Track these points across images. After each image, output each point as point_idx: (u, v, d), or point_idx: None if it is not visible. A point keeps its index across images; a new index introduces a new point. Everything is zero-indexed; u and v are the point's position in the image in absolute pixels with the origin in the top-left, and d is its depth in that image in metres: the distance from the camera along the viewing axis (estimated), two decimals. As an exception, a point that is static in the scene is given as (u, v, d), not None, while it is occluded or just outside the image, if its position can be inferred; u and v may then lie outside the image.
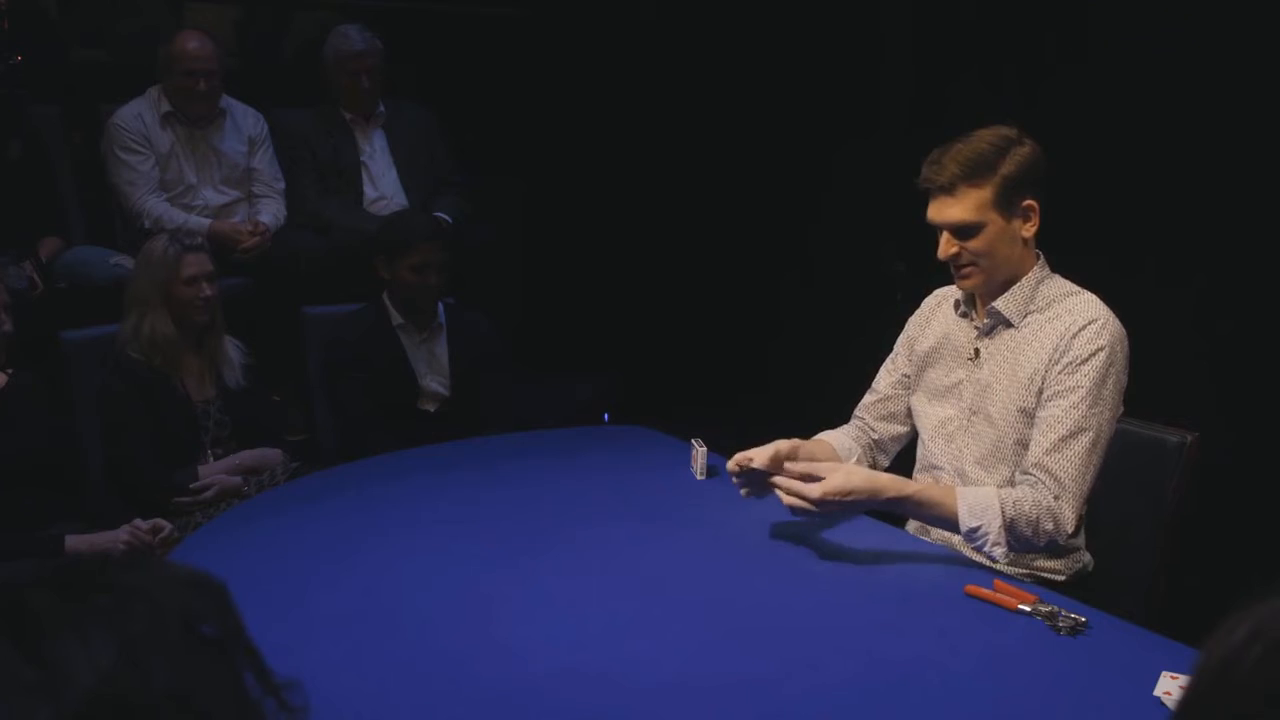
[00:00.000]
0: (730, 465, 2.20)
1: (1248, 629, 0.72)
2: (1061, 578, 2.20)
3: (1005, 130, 2.14)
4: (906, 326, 2.44)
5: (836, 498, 2.01)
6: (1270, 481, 3.10)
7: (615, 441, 3.06)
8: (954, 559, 2.13)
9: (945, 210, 2.13)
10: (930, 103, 4.01)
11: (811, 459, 2.20)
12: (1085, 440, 2.06)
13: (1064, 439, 2.06)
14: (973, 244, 2.13)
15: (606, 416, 4.40)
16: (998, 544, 2.03)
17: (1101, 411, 2.07)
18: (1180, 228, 3.27)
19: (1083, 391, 2.06)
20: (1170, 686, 1.59)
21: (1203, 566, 2.46)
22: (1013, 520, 2.02)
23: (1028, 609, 1.86)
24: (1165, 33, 3.31)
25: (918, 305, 2.46)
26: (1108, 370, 2.07)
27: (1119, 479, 2.29)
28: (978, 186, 2.10)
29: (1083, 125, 3.45)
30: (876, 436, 2.44)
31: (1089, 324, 2.10)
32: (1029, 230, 2.15)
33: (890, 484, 2.06)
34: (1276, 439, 3.12)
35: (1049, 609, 1.85)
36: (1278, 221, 3.13)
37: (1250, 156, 3.15)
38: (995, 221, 2.12)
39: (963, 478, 2.23)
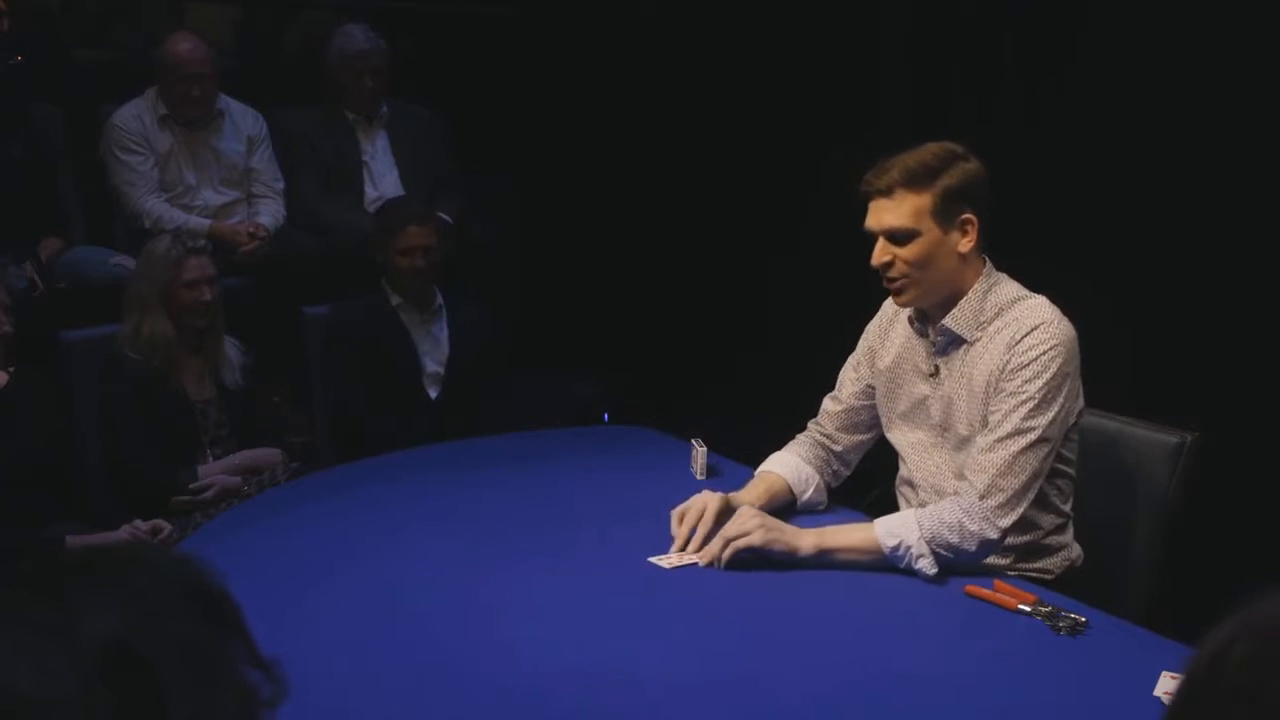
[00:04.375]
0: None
1: (1233, 626, 0.73)
2: (1050, 576, 2.19)
3: (951, 146, 2.13)
4: (866, 334, 2.38)
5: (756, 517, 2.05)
6: (1270, 481, 3.09)
7: (615, 441, 3.06)
8: (954, 559, 2.13)
9: (882, 215, 2.11)
10: (930, 105, 4.01)
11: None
12: (1021, 442, 2.03)
13: (1000, 440, 2.04)
14: (906, 252, 2.09)
15: (606, 416, 4.39)
16: (922, 555, 1.99)
17: (1044, 414, 2.04)
18: (1182, 226, 3.27)
19: (1024, 396, 2.04)
20: (1170, 686, 1.59)
21: (1203, 566, 2.46)
22: (933, 532, 1.99)
23: (1028, 609, 1.86)
24: (1164, 34, 3.31)
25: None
26: (1052, 374, 2.04)
27: (1119, 479, 2.29)
28: (917, 193, 2.07)
29: (1086, 126, 3.45)
30: (839, 448, 2.38)
31: (1035, 328, 2.07)
32: (966, 245, 2.11)
33: (801, 530, 2.07)
34: (1276, 439, 3.12)
35: (1049, 609, 1.85)
36: (1278, 220, 3.13)
37: (1255, 153, 3.15)
38: (931, 231, 2.08)
39: (940, 494, 2.20)
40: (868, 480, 3.48)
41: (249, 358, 3.37)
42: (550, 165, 4.90)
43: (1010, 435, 2.03)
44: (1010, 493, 2.02)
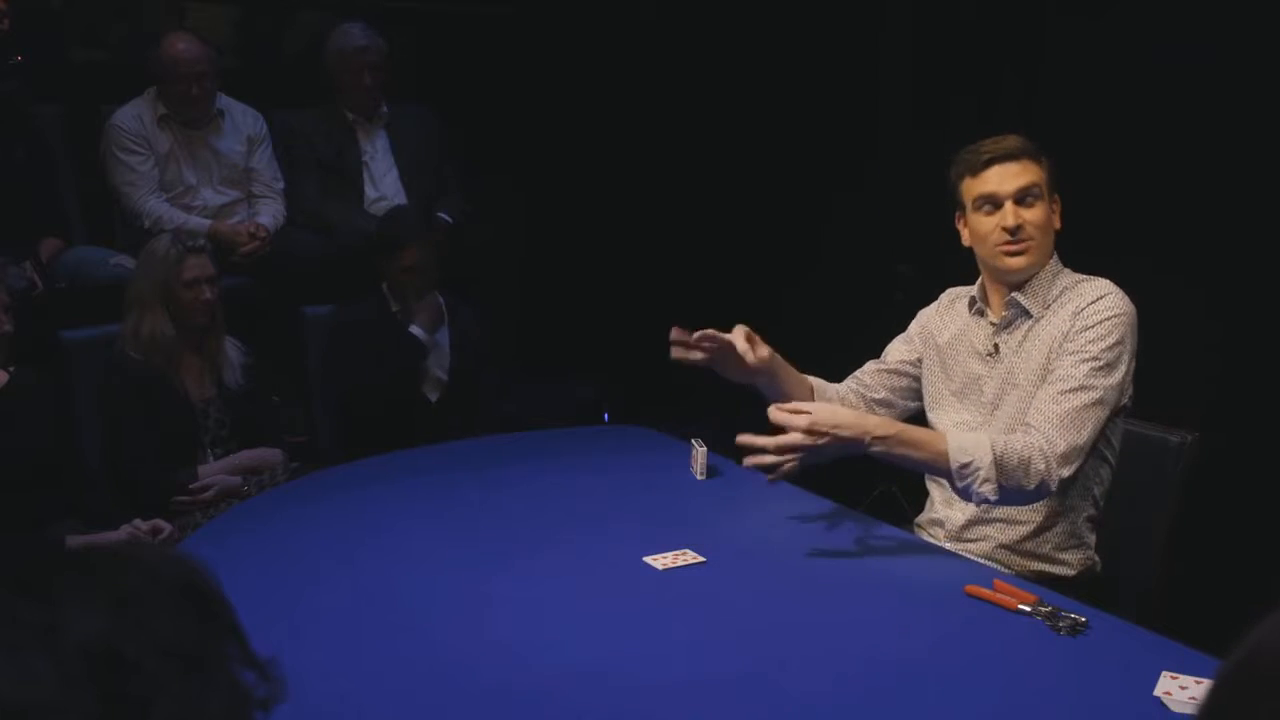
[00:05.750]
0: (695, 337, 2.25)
1: (1266, 624, 0.72)
2: (1073, 572, 2.20)
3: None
4: (919, 316, 2.43)
5: (825, 428, 2.00)
6: (1270, 481, 3.09)
7: (615, 441, 3.06)
8: (954, 559, 2.13)
9: (1013, 177, 2.18)
10: (930, 105, 4.01)
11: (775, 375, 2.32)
12: (1085, 397, 2.06)
13: (1064, 393, 2.07)
14: (1033, 214, 2.17)
15: (606, 416, 4.39)
16: (988, 480, 1.99)
17: (1107, 377, 2.08)
18: (1181, 228, 3.27)
19: (1088, 354, 2.08)
20: (1170, 686, 1.59)
21: (1203, 566, 2.46)
22: (1002, 456, 1.99)
23: (1028, 609, 1.86)
24: (1164, 35, 3.32)
25: (927, 303, 2.45)
26: (1116, 339, 2.09)
27: (1119, 479, 2.29)
28: (1036, 163, 2.19)
29: (1082, 126, 3.45)
30: (876, 396, 2.41)
31: (1101, 297, 2.14)
32: (1058, 222, 2.22)
33: (879, 422, 2.07)
34: (1276, 439, 3.12)
35: (1049, 609, 1.85)
36: (1278, 222, 3.13)
37: (1250, 157, 3.15)
38: (1047, 200, 2.19)
39: None
40: (868, 480, 3.49)
41: (249, 358, 3.37)
42: (550, 165, 4.90)
43: (1076, 389, 2.06)
44: (1074, 446, 2.04)
